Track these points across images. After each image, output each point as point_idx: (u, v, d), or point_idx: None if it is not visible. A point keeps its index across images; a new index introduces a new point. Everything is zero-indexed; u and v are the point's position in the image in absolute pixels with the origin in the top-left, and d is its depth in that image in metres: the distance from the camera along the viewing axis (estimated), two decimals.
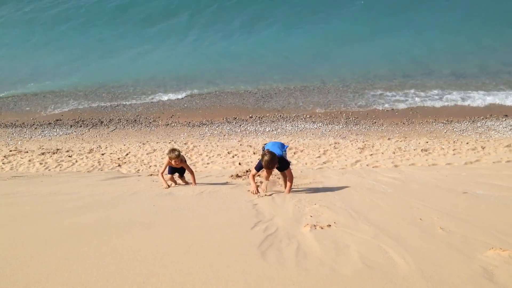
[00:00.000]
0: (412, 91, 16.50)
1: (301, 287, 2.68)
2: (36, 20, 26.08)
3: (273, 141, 8.06)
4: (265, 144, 7.02)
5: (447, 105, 15.37)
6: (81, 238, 3.81)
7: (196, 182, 7.66)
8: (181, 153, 7.46)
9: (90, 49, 22.81)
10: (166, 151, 7.72)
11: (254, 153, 11.61)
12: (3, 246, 3.57)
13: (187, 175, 7.92)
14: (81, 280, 2.79)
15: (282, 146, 6.74)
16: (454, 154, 10.65)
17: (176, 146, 7.61)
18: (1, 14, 26.78)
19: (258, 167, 6.43)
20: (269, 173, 6.53)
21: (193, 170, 7.97)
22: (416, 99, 15.97)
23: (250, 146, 12.72)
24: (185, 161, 7.64)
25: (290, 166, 6.63)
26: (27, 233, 3.97)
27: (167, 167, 7.53)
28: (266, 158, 6.11)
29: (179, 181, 7.98)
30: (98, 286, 2.72)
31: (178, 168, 7.60)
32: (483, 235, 3.75)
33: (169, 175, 7.67)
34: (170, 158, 7.22)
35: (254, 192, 6.39)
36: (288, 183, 6.56)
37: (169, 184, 7.56)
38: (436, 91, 16.29)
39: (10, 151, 12.86)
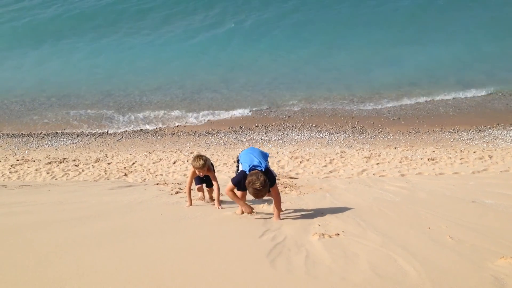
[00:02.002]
0: (420, 99, 16.51)
1: None
2: None
3: (251, 147, 6.40)
4: (239, 154, 5.33)
5: (453, 113, 15.35)
6: (89, 247, 3.83)
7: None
8: (208, 160, 6.09)
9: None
10: (191, 159, 6.16)
11: None
12: (12, 255, 3.59)
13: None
14: None
15: (264, 155, 5.21)
16: (461, 163, 10.60)
17: (201, 152, 6.29)
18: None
19: (238, 182, 4.90)
20: (245, 194, 5.17)
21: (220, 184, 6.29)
22: (420, 107, 15.97)
23: None
24: (213, 169, 6.34)
25: (276, 182, 5.12)
26: (35, 243, 3.99)
27: (194, 178, 6.33)
28: (255, 185, 4.49)
29: (207, 196, 6.85)
30: None
31: (204, 177, 6.41)
32: (493, 244, 3.72)
33: (198, 185, 6.54)
34: (194, 168, 5.95)
35: (248, 211, 5.14)
36: (276, 210, 5.00)
37: (198, 196, 6.76)
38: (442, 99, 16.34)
39: (17, 160, 12.95)
